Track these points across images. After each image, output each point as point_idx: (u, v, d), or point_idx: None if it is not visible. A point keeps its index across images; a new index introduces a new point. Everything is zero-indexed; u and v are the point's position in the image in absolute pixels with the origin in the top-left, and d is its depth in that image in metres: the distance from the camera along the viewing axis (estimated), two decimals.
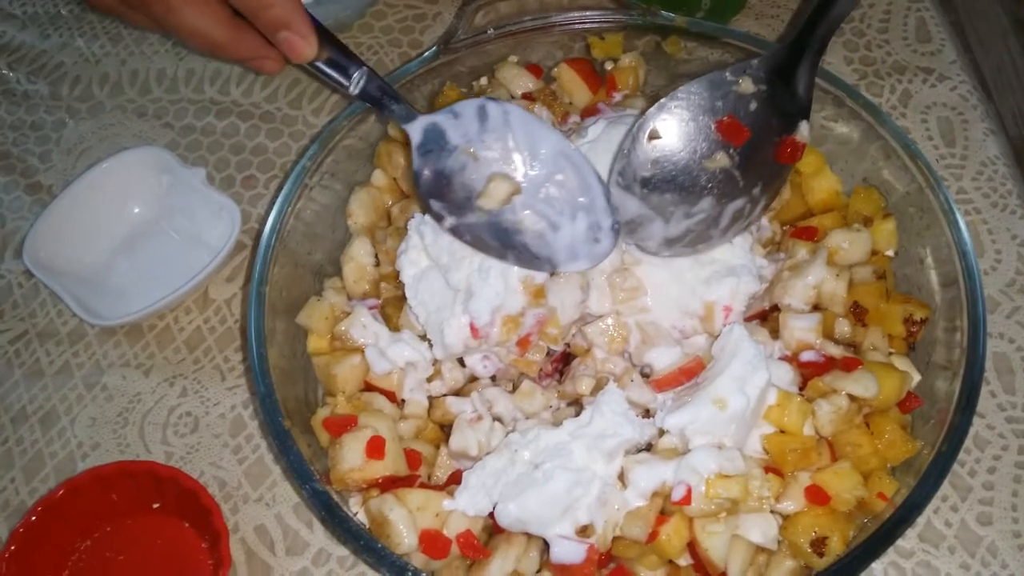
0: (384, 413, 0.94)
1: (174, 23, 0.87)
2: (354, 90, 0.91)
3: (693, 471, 0.85)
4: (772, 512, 0.88)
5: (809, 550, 0.86)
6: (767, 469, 0.88)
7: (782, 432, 0.90)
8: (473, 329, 0.93)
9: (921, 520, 0.99)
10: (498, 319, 0.92)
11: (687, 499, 0.84)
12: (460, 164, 0.91)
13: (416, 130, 0.92)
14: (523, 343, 0.94)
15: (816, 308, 0.99)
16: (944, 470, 0.83)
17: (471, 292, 0.92)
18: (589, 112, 1.10)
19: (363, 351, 0.97)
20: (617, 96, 1.12)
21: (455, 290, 0.94)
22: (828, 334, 0.97)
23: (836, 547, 0.85)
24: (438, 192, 0.92)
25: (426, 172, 0.92)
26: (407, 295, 0.97)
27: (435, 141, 0.92)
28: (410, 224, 0.98)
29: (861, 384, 0.90)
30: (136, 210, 1.21)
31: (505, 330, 0.92)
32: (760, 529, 0.86)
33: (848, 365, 0.92)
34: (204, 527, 0.99)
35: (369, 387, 0.98)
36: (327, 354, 0.99)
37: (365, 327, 0.97)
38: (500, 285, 0.92)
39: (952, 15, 1.37)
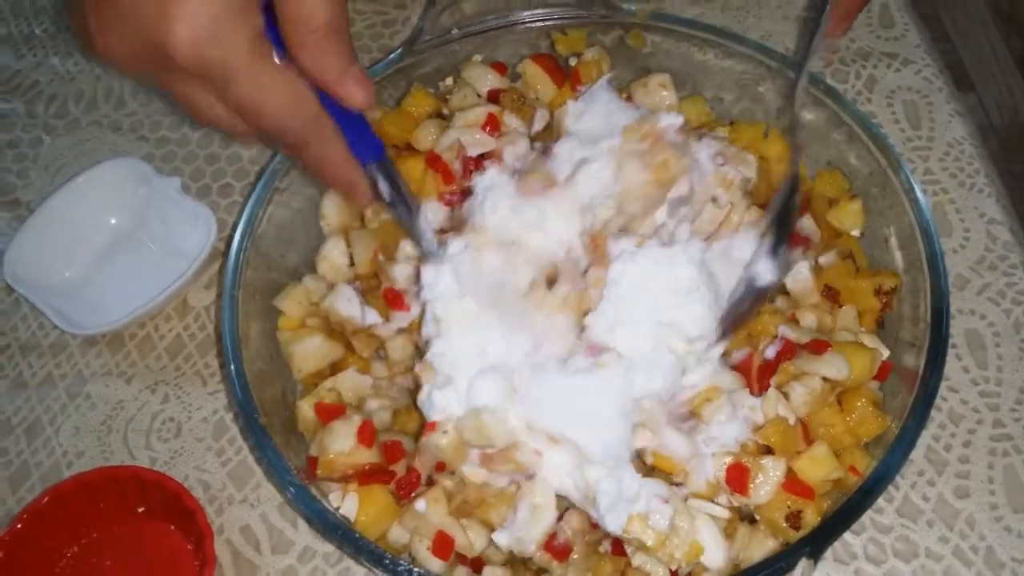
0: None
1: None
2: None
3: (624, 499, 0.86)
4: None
5: (785, 525, 0.87)
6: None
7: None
8: None
9: (899, 496, 1.01)
10: None
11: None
12: None
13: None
14: None
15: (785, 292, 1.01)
16: (912, 439, 0.84)
17: None
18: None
19: (328, 333, 1.00)
20: (582, 89, 1.13)
21: None
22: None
23: (811, 520, 0.86)
24: None
25: None
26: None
27: None
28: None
29: (832, 366, 0.91)
30: (113, 221, 1.22)
31: None
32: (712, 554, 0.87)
33: (817, 348, 0.93)
34: (189, 529, 1.00)
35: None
36: (290, 331, 1.00)
37: (350, 300, 0.99)
38: None
39: (923, 7, 1.39)
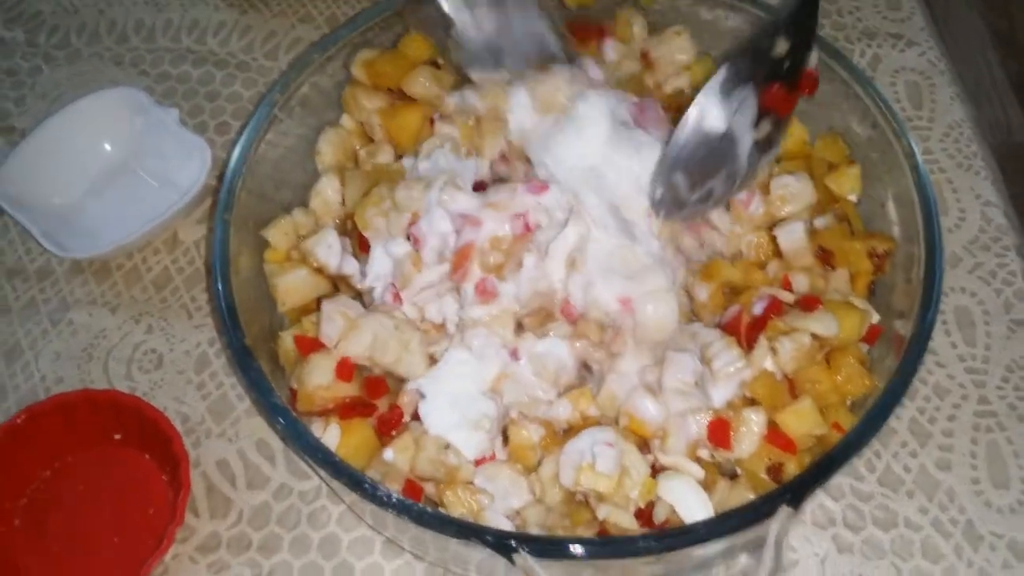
0: None
1: None
2: None
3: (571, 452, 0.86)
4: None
5: (766, 477, 0.86)
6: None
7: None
8: None
9: (880, 465, 1.00)
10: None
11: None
12: None
13: None
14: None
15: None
16: (897, 395, 0.83)
17: None
18: None
19: (313, 268, 0.98)
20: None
21: None
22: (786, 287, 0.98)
23: (792, 474, 0.86)
24: None
25: None
26: None
27: None
28: None
29: (822, 323, 0.91)
30: (108, 147, 1.21)
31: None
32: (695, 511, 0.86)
33: (807, 305, 0.93)
34: (164, 459, 0.99)
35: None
36: (276, 263, 0.99)
37: (330, 247, 0.98)
38: None
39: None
